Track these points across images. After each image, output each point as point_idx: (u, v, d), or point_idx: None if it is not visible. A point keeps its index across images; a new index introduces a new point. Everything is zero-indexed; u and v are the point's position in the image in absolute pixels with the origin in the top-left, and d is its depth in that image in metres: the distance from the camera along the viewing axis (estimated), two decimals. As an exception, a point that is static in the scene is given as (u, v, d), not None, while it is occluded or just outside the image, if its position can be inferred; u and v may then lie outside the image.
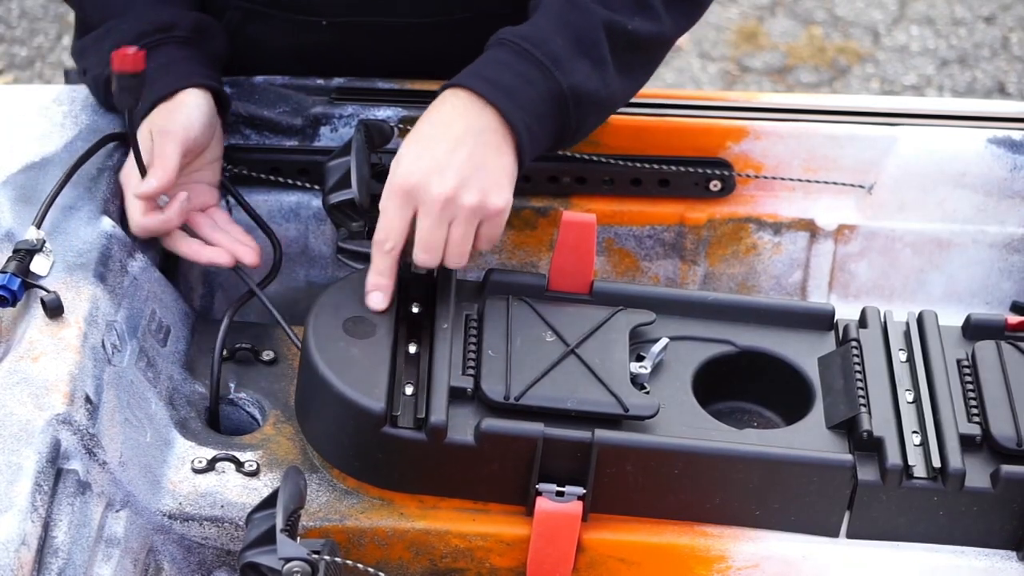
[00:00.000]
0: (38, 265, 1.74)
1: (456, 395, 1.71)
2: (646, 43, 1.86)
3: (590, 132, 1.88)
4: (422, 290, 1.81)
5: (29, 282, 1.73)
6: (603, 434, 1.68)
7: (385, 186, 1.74)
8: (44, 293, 1.71)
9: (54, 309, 1.70)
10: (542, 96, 1.77)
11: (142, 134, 1.83)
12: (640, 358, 1.78)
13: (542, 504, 1.68)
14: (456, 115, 1.75)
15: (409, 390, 1.71)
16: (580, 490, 1.68)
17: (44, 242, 1.76)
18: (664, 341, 1.79)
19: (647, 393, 1.75)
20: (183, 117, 1.84)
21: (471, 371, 1.73)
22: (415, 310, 1.79)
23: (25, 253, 1.74)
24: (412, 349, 1.75)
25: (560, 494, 1.68)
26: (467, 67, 1.79)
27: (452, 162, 1.72)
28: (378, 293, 1.76)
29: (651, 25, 1.85)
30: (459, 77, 1.77)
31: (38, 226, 1.78)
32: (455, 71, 1.81)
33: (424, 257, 1.74)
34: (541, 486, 1.68)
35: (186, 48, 1.89)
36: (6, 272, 1.72)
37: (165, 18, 1.90)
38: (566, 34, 1.79)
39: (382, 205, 1.74)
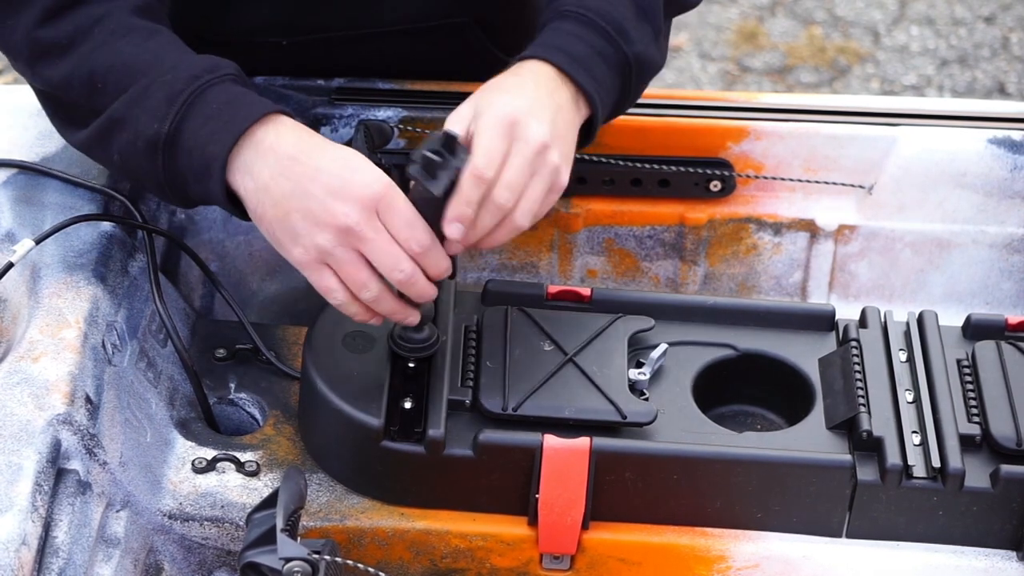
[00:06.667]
0: None
1: (455, 407, 1.72)
2: (683, 13, 1.86)
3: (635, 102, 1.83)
4: None
5: None
6: (601, 442, 1.68)
7: (484, 117, 1.63)
8: None
9: None
10: (610, 66, 1.73)
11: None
12: (640, 364, 1.78)
13: (550, 442, 1.68)
14: (540, 81, 1.68)
15: (408, 404, 1.71)
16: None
17: None
18: (663, 347, 1.79)
19: (646, 399, 1.75)
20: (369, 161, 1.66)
21: (470, 383, 1.73)
22: None
23: None
24: (411, 362, 1.75)
25: None
26: (536, 40, 1.73)
27: (546, 112, 1.65)
28: (458, 225, 1.62)
29: None
30: (532, 50, 1.71)
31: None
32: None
33: (506, 195, 1.61)
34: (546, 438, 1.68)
35: (241, 85, 1.71)
36: None
37: (210, 61, 1.71)
38: (630, 2, 1.76)
39: (479, 137, 1.61)
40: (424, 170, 1.60)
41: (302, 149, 1.63)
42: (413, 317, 1.68)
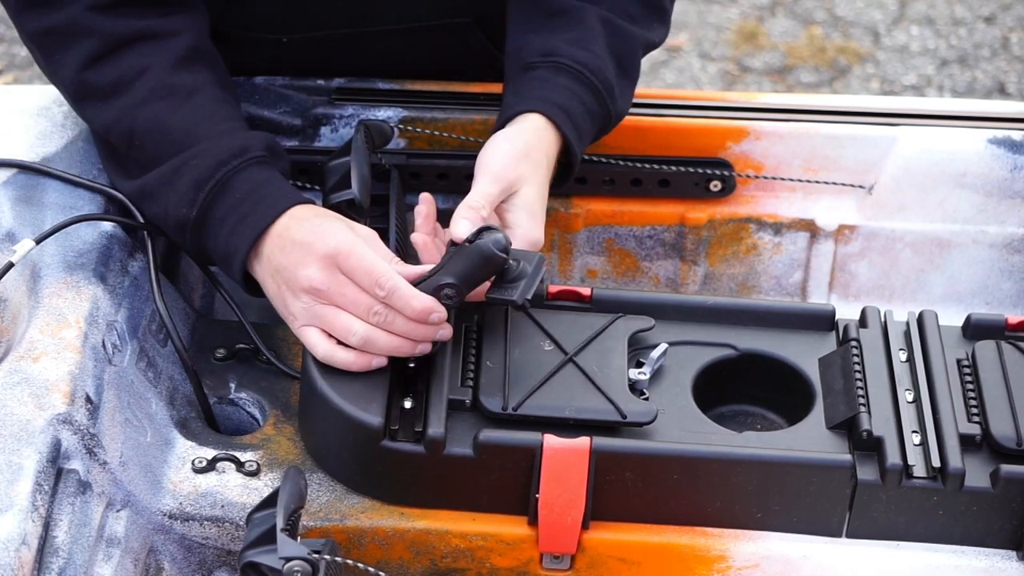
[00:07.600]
0: None
1: (455, 407, 1.72)
2: (656, 48, 1.97)
3: None
4: None
5: None
6: (601, 441, 1.68)
7: (540, 209, 1.79)
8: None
9: None
10: (594, 121, 1.86)
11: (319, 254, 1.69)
12: (640, 364, 1.78)
13: (550, 442, 1.68)
14: (545, 146, 1.82)
15: (408, 403, 1.71)
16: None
17: None
18: (663, 347, 1.79)
19: (646, 399, 1.75)
20: (344, 225, 1.73)
21: (470, 382, 1.73)
22: None
23: None
24: (411, 363, 1.75)
25: None
26: (534, 88, 1.83)
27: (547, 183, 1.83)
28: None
29: (664, 29, 1.95)
30: (539, 104, 1.82)
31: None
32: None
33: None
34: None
35: (265, 168, 1.77)
36: None
37: (239, 143, 1.76)
38: (613, 59, 1.87)
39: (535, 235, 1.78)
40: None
41: (288, 226, 1.72)
42: (423, 346, 1.72)
